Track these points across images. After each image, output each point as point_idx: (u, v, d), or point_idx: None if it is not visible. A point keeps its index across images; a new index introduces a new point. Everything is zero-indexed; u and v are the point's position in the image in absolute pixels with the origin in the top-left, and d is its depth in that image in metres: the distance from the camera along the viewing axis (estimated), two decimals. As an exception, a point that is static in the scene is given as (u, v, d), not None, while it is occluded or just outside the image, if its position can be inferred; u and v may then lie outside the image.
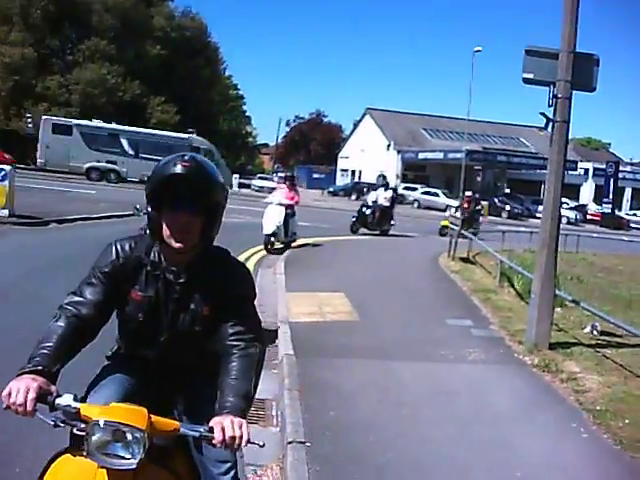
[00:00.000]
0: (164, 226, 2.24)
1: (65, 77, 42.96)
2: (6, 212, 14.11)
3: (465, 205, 22.86)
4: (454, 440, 4.57)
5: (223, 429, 1.97)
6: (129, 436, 1.84)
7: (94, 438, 1.83)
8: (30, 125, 35.71)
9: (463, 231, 20.22)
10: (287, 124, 74.41)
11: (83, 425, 1.90)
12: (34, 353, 2.08)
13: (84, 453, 1.87)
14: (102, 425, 1.83)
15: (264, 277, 10.71)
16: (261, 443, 2.06)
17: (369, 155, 52.97)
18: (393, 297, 9.70)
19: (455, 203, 31.88)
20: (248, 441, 2.00)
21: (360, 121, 59.81)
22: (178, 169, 2.17)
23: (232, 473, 2.31)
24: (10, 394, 1.91)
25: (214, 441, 1.97)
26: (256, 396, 5.16)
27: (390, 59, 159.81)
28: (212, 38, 52.93)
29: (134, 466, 1.84)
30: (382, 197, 19.64)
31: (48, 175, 30.95)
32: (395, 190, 22.09)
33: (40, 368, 2.02)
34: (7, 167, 14.56)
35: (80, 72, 42.35)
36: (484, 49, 48.96)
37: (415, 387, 5.65)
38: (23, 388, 1.92)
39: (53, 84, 42.41)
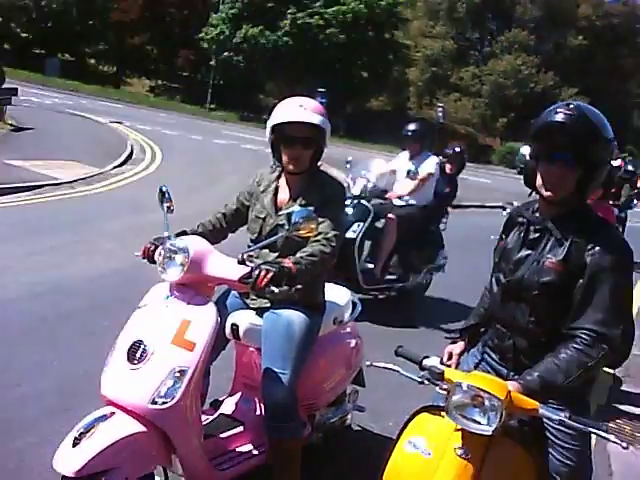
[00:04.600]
0: (538, 175, 2.19)
1: (479, 68, 44.41)
2: (411, 193, 15.24)
3: None
4: None
5: None
6: (487, 402, 1.91)
7: (454, 398, 1.95)
8: (440, 114, 37.84)
9: None
10: None
11: (446, 385, 2.05)
12: None
13: (442, 413, 2.03)
14: (464, 388, 1.94)
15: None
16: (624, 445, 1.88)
17: None
18: None
19: None
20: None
21: None
22: (558, 117, 2.08)
23: None
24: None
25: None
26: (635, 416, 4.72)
27: None
28: (640, 25, 48.72)
29: (489, 432, 1.91)
30: None
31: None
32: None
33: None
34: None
35: (495, 63, 43.28)
36: None
37: None
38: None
39: (467, 75, 44.25)
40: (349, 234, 5.85)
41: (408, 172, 6.32)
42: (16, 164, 11.08)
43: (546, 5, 43.67)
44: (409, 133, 6.57)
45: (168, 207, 2.85)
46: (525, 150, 10.26)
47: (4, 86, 17.27)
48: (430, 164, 6.43)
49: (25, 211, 8.53)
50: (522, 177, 2.31)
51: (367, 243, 6.38)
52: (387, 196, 6.41)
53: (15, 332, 4.63)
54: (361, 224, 6.01)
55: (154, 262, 2.64)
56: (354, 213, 6.08)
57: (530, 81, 42.26)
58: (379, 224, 6.34)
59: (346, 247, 5.52)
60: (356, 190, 6.19)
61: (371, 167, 6.40)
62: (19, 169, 10.78)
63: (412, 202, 6.45)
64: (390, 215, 6.28)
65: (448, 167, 7.15)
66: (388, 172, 6.65)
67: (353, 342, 3.39)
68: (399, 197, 6.42)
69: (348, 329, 3.43)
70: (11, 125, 15.81)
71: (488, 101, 42.37)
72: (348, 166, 6.58)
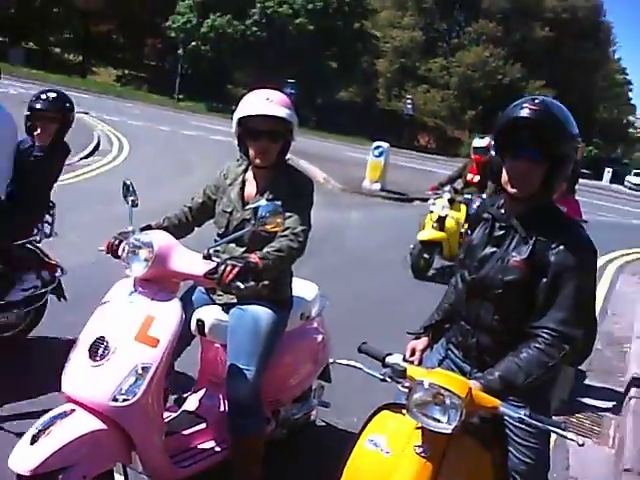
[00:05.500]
0: (504, 171, 2.16)
1: (447, 60, 44.67)
2: (378, 186, 15.41)
3: None
4: None
5: None
6: (447, 401, 1.91)
7: (415, 396, 1.95)
8: (409, 106, 38.02)
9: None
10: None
11: (407, 383, 2.05)
12: None
13: (403, 411, 2.04)
14: (425, 386, 1.94)
15: (626, 285, 9.80)
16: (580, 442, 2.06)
17: None
18: None
19: None
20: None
21: None
22: (523, 112, 2.07)
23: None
24: None
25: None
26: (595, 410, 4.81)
27: None
28: (605, 18, 49.64)
29: (449, 431, 1.92)
30: None
31: (418, 155, 32.67)
32: None
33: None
34: (385, 145, 15.80)
35: (463, 55, 43.57)
36: None
37: None
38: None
39: (435, 67, 44.50)
40: None
41: None
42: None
43: (513, -4, 44.05)
44: None
45: (132, 201, 2.81)
46: (478, 142, 8.84)
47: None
48: None
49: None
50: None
51: None
52: None
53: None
54: None
55: (118, 257, 2.62)
56: None
57: (497, 73, 42.62)
58: None
59: None
60: None
61: None
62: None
63: None
64: None
65: None
66: None
67: (320, 337, 3.39)
68: None
69: (315, 324, 3.42)
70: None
71: (456, 93, 42.65)
72: None
